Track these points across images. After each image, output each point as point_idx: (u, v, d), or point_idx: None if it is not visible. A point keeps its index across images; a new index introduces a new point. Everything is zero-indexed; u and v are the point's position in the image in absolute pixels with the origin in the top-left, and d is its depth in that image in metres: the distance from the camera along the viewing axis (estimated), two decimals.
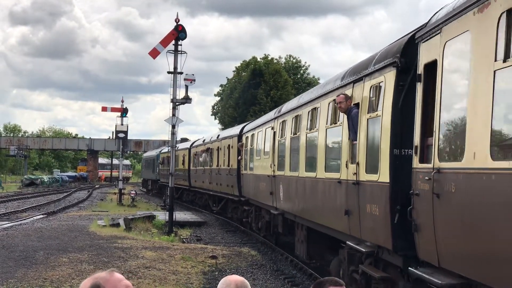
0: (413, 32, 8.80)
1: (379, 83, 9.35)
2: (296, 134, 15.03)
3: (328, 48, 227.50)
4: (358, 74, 10.49)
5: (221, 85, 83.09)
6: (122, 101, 45.59)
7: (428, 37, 7.70)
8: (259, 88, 69.72)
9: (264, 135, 19.61)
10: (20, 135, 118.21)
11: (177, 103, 24.94)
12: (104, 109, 47.69)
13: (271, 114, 19.60)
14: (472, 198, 6.28)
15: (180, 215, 30.52)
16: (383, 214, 8.87)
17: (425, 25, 8.12)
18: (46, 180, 74.28)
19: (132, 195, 43.51)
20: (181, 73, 24.92)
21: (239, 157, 24.66)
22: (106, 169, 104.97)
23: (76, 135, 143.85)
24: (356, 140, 10.16)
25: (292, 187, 15.37)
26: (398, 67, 8.67)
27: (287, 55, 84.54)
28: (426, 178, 7.36)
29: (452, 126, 7.05)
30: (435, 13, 7.79)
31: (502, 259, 5.69)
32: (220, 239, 23.58)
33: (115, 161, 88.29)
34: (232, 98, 73.48)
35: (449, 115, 7.13)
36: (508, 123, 5.90)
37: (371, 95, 9.68)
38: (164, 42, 24.55)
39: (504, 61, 5.66)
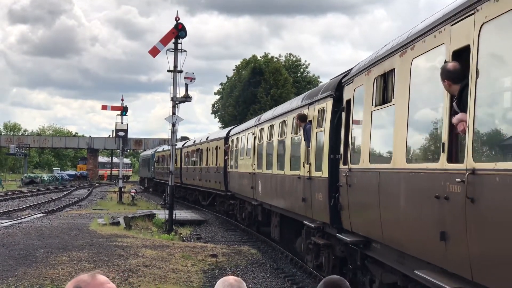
0: (342, 75, 12.55)
1: (323, 107, 13.02)
2: (270, 139, 18.62)
3: (328, 47, 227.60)
4: (311, 99, 14.27)
5: (221, 84, 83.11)
6: (122, 100, 45.66)
7: (347, 84, 11.66)
8: (259, 86, 69.72)
9: (246, 139, 23.06)
10: (20, 134, 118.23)
11: (177, 102, 24.93)
12: (104, 107, 47.70)
13: (252, 122, 23.15)
14: (364, 186, 10.06)
15: (180, 214, 30.54)
16: (324, 200, 12.43)
17: (348, 73, 12.07)
18: (46, 178, 74.30)
19: (132, 193, 43.54)
20: (181, 71, 24.92)
21: (226, 157, 27.75)
22: (106, 168, 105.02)
23: (76, 133, 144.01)
24: (309, 147, 13.78)
25: (267, 182, 18.84)
26: (334, 98, 12.36)
27: (287, 54, 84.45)
28: (343, 174, 11.18)
29: (355, 143, 10.91)
30: (354, 67, 11.82)
31: (382, 223, 9.03)
32: (220, 238, 23.59)
33: (115, 160, 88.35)
34: (232, 97, 73.47)
35: (355, 137, 11.00)
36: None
37: (319, 115, 13.37)
38: (164, 41, 24.54)
39: (378, 104, 9.53)
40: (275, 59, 76.91)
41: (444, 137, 6.87)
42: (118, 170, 50.35)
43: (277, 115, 18.04)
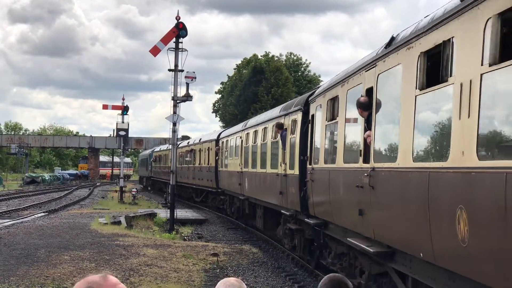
0: (309, 94, 15.55)
1: (295, 118, 15.95)
2: (255, 143, 21.50)
3: (328, 46, 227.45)
4: (286, 111, 17.28)
5: (222, 83, 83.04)
6: (123, 99, 45.60)
7: (312, 102, 14.55)
8: (260, 85, 69.68)
9: (235, 141, 25.96)
10: (21, 133, 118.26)
11: (178, 101, 24.93)
12: (105, 107, 47.71)
13: (239, 127, 26.04)
14: (321, 181, 12.92)
15: (181, 213, 30.54)
16: (296, 192, 15.23)
17: (313, 93, 15.00)
18: (47, 178, 74.34)
19: (133, 193, 43.55)
20: (182, 70, 24.92)
21: (216, 157, 30.51)
22: (107, 167, 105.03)
23: (77, 133, 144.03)
24: (285, 150, 16.69)
25: (253, 179, 21.72)
26: (303, 111, 15.23)
27: (287, 53, 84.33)
28: (309, 172, 14.06)
29: (316, 148, 13.68)
30: (317, 88, 15.12)
31: (332, 208, 11.99)
32: (221, 237, 23.59)
33: (116, 159, 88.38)
34: (233, 96, 73.45)
35: (316, 143, 13.78)
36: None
37: (292, 124, 16.31)
38: (165, 40, 24.54)
39: (329, 120, 12.42)
40: (276, 58, 76.87)
41: (361, 146, 10.04)
42: (119, 170, 50.37)
43: (260, 122, 21.23)
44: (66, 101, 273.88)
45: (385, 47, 9.07)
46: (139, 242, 18.79)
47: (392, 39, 8.92)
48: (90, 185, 74.43)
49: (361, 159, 9.90)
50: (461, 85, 6.27)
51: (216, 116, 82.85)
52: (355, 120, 10.62)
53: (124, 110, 44.35)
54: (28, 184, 68.16)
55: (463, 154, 6.17)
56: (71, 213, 31.27)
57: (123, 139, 45.16)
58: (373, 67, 9.48)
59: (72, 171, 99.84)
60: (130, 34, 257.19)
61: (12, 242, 18.48)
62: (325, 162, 12.63)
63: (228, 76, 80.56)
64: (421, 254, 7.38)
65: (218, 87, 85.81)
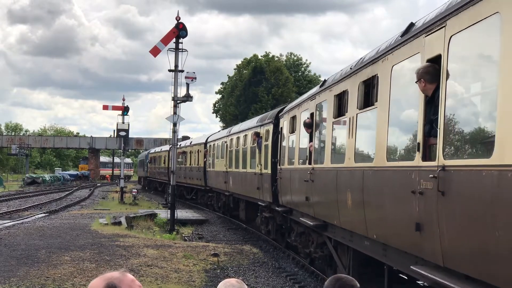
0: (279, 109, 19.41)
1: (268, 129, 19.89)
2: (237, 147, 25.46)
3: (328, 45, 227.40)
4: (262, 122, 21.20)
5: (222, 83, 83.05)
6: (123, 100, 45.57)
7: (281, 117, 18.23)
8: (260, 85, 69.70)
9: (221, 145, 29.74)
10: (21, 134, 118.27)
11: (178, 101, 24.93)
12: (105, 107, 47.68)
13: (224, 133, 30.00)
14: (285, 178, 16.43)
15: (182, 213, 30.52)
16: (269, 187, 19.04)
17: (283, 109, 18.60)
18: (47, 178, 74.33)
19: (134, 193, 43.55)
20: (182, 71, 24.91)
21: (205, 159, 34.09)
22: (107, 168, 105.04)
23: (78, 133, 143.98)
24: (260, 153, 20.48)
25: (236, 178, 25.44)
26: (273, 124, 19.17)
27: (288, 53, 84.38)
28: (278, 171, 17.78)
29: (282, 153, 17.29)
30: (287, 104, 18.87)
31: (292, 197, 15.34)
32: (222, 237, 23.59)
33: (117, 160, 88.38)
34: (233, 96, 73.46)
35: (282, 149, 17.38)
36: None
37: (266, 133, 20.20)
38: (165, 40, 24.54)
39: (290, 132, 16.41)
40: (276, 58, 76.86)
41: (307, 153, 13.87)
42: (120, 170, 50.42)
43: (242, 129, 25.32)
44: (66, 101, 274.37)
45: (320, 86, 13.67)
46: (139, 242, 18.79)
47: (324, 81, 13.42)
48: (90, 185, 74.41)
49: (307, 162, 13.86)
50: (350, 119, 10.50)
51: (216, 116, 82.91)
52: (305, 135, 14.32)
53: (125, 110, 44.34)
54: (29, 185, 68.16)
55: (349, 159, 10.42)
56: (72, 213, 31.27)
57: (123, 140, 45.17)
58: (314, 99, 13.76)
59: (72, 171, 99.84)
60: (129, 34, 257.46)
61: (12, 242, 18.48)
62: (288, 164, 16.49)
63: (229, 76, 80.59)
64: (335, 222, 11.57)
65: (218, 87, 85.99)
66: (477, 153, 6.33)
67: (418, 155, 7.34)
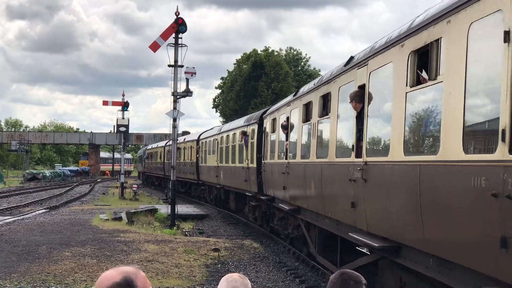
0: (263, 111, 21.89)
1: (254, 128, 22.24)
2: (227, 144, 27.87)
3: (327, 40, 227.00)
4: (248, 122, 23.66)
5: (222, 78, 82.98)
6: (123, 95, 45.49)
7: (265, 118, 20.45)
8: (260, 80, 69.61)
9: (212, 142, 32.38)
10: (21, 130, 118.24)
11: (178, 96, 24.91)
12: (105, 103, 47.63)
13: (215, 131, 32.60)
14: (268, 171, 19.08)
15: (182, 208, 30.55)
16: (255, 179, 21.39)
17: (266, 111, 20.90)
18: (48, 174, 74.36)
19: (134, 188, 43.56)
20: (181, 66, 24.90)
21: (197, 155, 36.82)
22: (108, 163, 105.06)
23: (78, 129, 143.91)
24: (247, 150, 22.95)
25: (226, 171, 28.12)
26: (258, 124, 21.60)
27: (287, 47, 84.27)
28: (262, 165, 20.16)
29: (265, 149, 19.62)
30: (270, 107, 21.14)
31: (274, 187, 18.22)
32: (223, 232, 23.61)
33: (117, 155, 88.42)
34: (233, 91, 73.39)
35: (266, 146, 19.72)
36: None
37: (252, 132, 22.59)
38: (164, 35, 24.50)
39: (271, 132, 19.15)
40: (275, 53, 76.74)
41: (284, 150, 16.57)
42: (120, 166, 50.47)
43: (231, 128, 27.83)
44: (66, 97, 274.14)
45: (293, 95, 16.26)
46: (140, 238, 18.81)
47: (297, 92, 15.73)
48: (91, 181, 74.44)
49: (284, 157, 16.51)
50: (313, 124, 13.28)
51: (216, 111, 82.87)
52: (282, 134, 16.84)
53: (124, 106, 44.30)
54: (29, 181, 68.19)
55: (313, 156, 13.13)
56: (72, 209, 31.29)
57: (123, 135, 45.13)
58: (289, 106, 16.44)
59: (72, 167, 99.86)
60: (129, 29, 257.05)
61: (13, 238, 18.49)
62: (270, 159, 18.92)
63: (228, 71, 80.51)
64: (305, 206, 14.24)
65: (217, 82, 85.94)
66: (382, 153, 9.01)
67: (353, 154, 10.15)
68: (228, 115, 71.40)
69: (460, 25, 6.39)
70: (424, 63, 7.50)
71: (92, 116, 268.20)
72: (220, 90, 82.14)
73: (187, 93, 25.21)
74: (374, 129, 9.50)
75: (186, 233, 22.68)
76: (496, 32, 5.66)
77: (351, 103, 10.08)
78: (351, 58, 10.97)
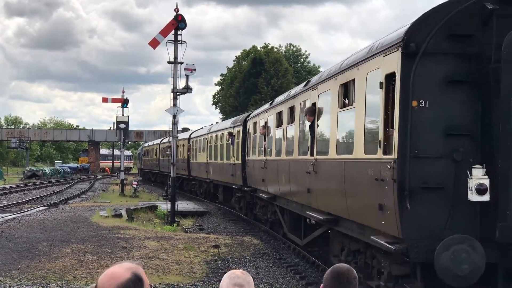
0: (247, 115, 25.12)
1: (239, 130, 24.97)
2: (216, 143, 30.83)
3: (327, 36, 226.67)
4: (234, 124, 26.49)
5: (221, 75, 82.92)
6: (123, 92, 45.50)
7: (248, 121, 23.67)
8: (260, 77, 69.58)
9: (202, 141, 35.30)
10: (21, 127, 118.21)
11: (177, 93, 24.91)
12: (105, 100, 47.64)
13: (205, 130, 35.61)
14: (251, 166, 22.16)
15: (182, 205, 30.55)
16: (240, 173, 23.97)
17: (250, 115, 24.41)
18: (47, 171, 74.35)
19: (134, 185, 43.57)
20: (181, 63, 24.89)
21: (188, 152, 39.78)
22: (107, 160, 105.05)
23: (77, 126, 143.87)
24: (234, 148, 25.64)
25: (215, 167, 30.71)
26: (242, 126, 24.28)
27: (287, 44, 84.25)
28: (246, 161, 23.30)
29: (249, 148, 22.92)
30: (252, 112, 25.37)
31: (255, 180, 21.32)
32: (223, 229, 23.63)
33: (117, 152, 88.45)
34: (232, 88, 73.36)
35: (249, 145, 23.04)
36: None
37: (237, 133, 25.32)
38: (164, 32, 24.48)
39: (253, 133, 22.28)
40: (275, 50, 76.68)
41: (263, 149, 19.55)
42: (120, 162, 50.52)
43: (219, 129, 30.67)
44: (65, 94, 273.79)
45: (269, 104, 19.62)
46: (140, 234, 18.82)
47: (272, 102, 19.49)
48: (90, 178, 74.44)
49: (263, 155, 19.53)
50: (284, 129, 16.42)
51: (216, 108, 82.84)
52: (261, 136, 19.82)
53: (124, 103, 44.29)
54: (29, 178, 68.18)
55: (283, 154, 16.26)
56: (72, 206, 31.30)
57: (123, 132, 45.15)
58: (266, 113, 19.75)
59: (72, 164, 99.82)
60: (127, 26, 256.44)
61: (13, 236, 18.50)
62: (252, 156, 21.97)
63: (228, 68, 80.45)
64: (278, 194, 17.40)
65: (217, 79, 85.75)
66: (325, 153, 12.09)
67: (309, 153, 13.24)
68: (228, 112, 71.39)
69: (363, 72, 9.81)
70: (347, 93, 10.94)
71: (91, 113, 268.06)
72: (220, 87, 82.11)
73: (187, 89, 25.21)
74: (320, 135, 12.77)
75: (186, 229, 22.70)
76: (377, 81, 8.96)
77: (305, 116, 13.30)
78: (309, 81, 14.61)
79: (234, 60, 79.01)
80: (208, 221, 26.10)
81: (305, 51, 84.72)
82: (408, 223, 8.00)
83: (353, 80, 10.38)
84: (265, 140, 19.27)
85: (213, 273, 13.78)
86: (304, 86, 14.46)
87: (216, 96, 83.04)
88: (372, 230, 9.40)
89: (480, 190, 7.61)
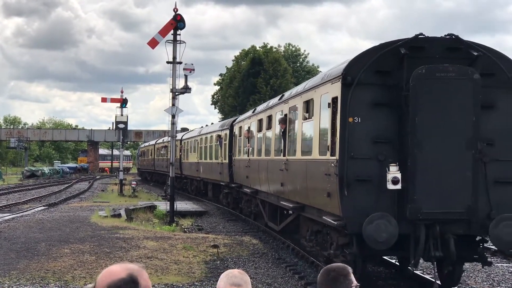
0: (233, 119, 28.02)
1: (226, 132, 28.03)
2: (206, 144, 33.46)
3: (326, 36, 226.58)
4: (222, 127, 29.49)
5: (220, 74, 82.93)
6: (122, 92, 45.52)
7: (235, 125, 26.54)
8: (259, 77, 69.59)
9: (193, 142, 38.12)
10: (20, 127, 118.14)
11: (176, 93, 24.90)
12: (103, 100, 47.64)
13: (196, 132, 38.60)
14: (236, 165, 24.93)
15: (181, 205, 30.57)
16: (227, 171, 27.03)
17: (236, 120, 27.14)
18: (46, 171, 74.35)
19: (133, 185, 43.56)
20: (180, 62, 24.87)
21: (180, 153, 41.90)
22: (107, 160, 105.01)
23: (76, 126, 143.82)
24: (222, 149, 28.35)
25: (205, 166, 33.41)
26: (229, 129, 27.28)
27: (286, 44, 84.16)
28: (233, 161, 26.05)
29: (235, 149, 25.75)
30: (238, 118, 27.56)
31: (240, 177, 24.21)
32: (222, 228, 23.62)
33: (116, 152, 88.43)
34: (231, 87, 73.37)
35: (235, 147, 25.69)
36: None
37: (225, 136, 28.28)
38: (163, 32, 24.46)
39: (239, 136, 25.05)
40: (274, 49, 76.68)
41: (246, 150, 22.28)
42: (119, 162, 50.52)
43: (209, 131, 33.34)
44: (64, 94, 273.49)
45: (253, 112, 22.05)
46: (139, 234, 18.82)
47: (254, 110, 22.09)
48: (89, 178, 74.42)
49: (247, 155, 21.87)
50: (263, 133, 19.47)
51: (215, 108, 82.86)
52: (245, 139, 22.23)
53: (123, 102, 44.29)
54: (28, 178, 68.17)
55: (263, 154, 19.04)
56: (71, 206, 31.29)
57: (122, 132, 45.14)
58: (249, 119, 22.25)
59: (71, 164, 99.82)
60: (126, 26, 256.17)
61: (12, 236, 18.49)
62: (238, 156, 24.28)
63: (227, 68, 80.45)
64: (260, 188, 19.86)
65: (216, 78, 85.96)
66: (293, 154, 14.78)
67: (282, 154, 15.93)
68: (227, 112, 71.40)
69: (318, 94, 12.52)
70: (308, 108, 13.64)
71: (90, 113, 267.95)
72: (219, 87, 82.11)
73: (186, 89, 25.20)
74: (290, 140, 15.44)
75: (185, 229, 22.69)
76: (327, 101, 11.68)
77: (279, 124, 16.24)
78: (283, 95, 17.41)
79: (233, 60, 79.07)
80: (207, 221, 26.10)
81: (304, 50, 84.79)
82: (346, 205, 10.68)
83: (312, 99, 13.25)
84: (248, 142, 21.94)
85: (212, 273, 13.78)
86: (279, 100, 17.39)
87: (215, 96, 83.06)
88: (325, 212, 12.09)
89: (394, 181, 10.26)
